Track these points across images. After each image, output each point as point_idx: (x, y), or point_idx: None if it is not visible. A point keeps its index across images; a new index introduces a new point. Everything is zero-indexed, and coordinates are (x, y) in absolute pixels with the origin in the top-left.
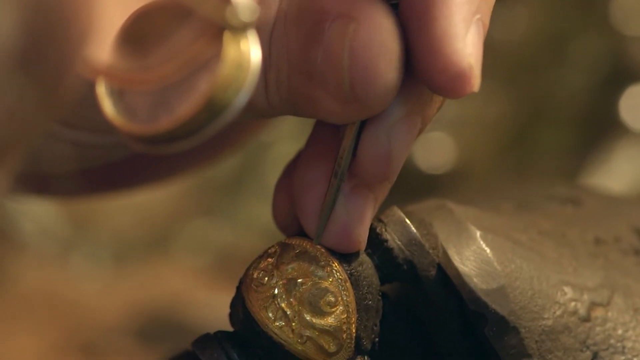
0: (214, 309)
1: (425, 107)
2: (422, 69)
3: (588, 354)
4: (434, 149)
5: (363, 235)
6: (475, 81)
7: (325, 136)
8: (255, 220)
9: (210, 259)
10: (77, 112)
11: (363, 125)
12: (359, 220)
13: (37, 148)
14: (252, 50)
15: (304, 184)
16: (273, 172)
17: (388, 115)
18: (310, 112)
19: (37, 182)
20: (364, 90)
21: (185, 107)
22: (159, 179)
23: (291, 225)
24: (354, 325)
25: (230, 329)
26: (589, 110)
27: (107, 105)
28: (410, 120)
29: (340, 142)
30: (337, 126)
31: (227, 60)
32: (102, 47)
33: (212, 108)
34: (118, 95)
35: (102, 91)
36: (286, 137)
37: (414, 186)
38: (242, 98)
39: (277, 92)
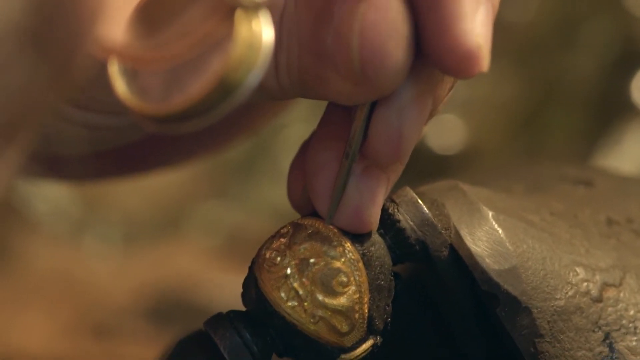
0: (225, 290)
1: (436, 87)
2: (431, 49)
3: (600, 334)
4: (445, 130)
5: (375, 216)
6: (484, 61)
7: (337, 117)
8: (267, 201)
9: (222, 240)
10: (88, 93)
11: (374, 106)
12: (370, 201)
13: (49, 130)
14: (264, 30)
15: (315, 165)
16: (285, 154)
17: (399, 96)
18: (321, 94)
19: (50, 164)
20: (373, 71)
21: (197, 87)
22: (170, 163)
23: (305, 204)
24: (366, 306)
25: (242, 309)
26: (600, 92)
27: (120, 85)
28: (421, 101)
29: (351, 124)
30: (348, 107)
31: (239, 40)
32: (115, 26)
33: (224, 88)
34: (130, 74)
35: (114, 71)
36: (298, 119)
37: (425, 167)
38: (254, 78)
39: (287, 73)
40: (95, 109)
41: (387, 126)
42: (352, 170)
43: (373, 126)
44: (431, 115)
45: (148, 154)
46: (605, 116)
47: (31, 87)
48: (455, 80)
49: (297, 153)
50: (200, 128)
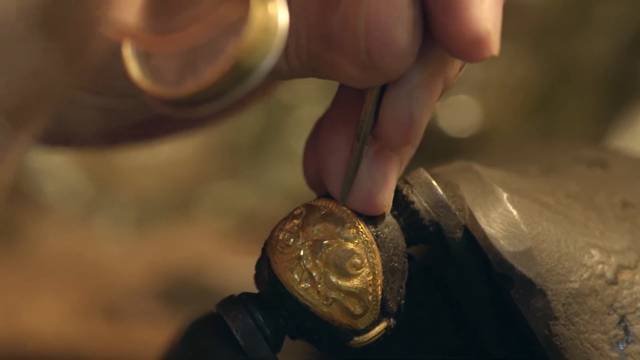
0: (237, 272)
1: (446, 68)
2: (439, 34)
3: (615, 317)
4: (459, 112)
5: (388, 199)
6: (494, 46)
7: (349, 98)
8: (278, 182)
9: (234, 221)
10: (101, 78)
11: (384, 89)
12: (383, 183)
13: (62, 112)
14: (279, 14)
15: (328, 147)
16: (296, 135)
17: (408, 79)
18: (331, 76)
19: (60, 136)
20: (380, 57)
21: (211, 70)
22: (177, 133)
23: (321, 185)
24: (379, 288)
25: (255, 291)
26: (615, 73)
27: (133, 68)
28: (431, 83)
29: (362, 106)
30: (359, 90)
31: (254, 24)
32: (129, 8)
33: (238, 72)
34: (144, 57)
35: (128, 54)
36: (309, 100)
37: (438, 150)
38: (268, 62)
39: (297, 56)
40: (109, 94)
41: (397, 109)
42: (364, 153)
43: (383, 109)
44: (442, 94)
45: (157, 128)
46: (619, 97)
47: (44, 70)
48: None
49: (310, 134)
50: (213, 112)
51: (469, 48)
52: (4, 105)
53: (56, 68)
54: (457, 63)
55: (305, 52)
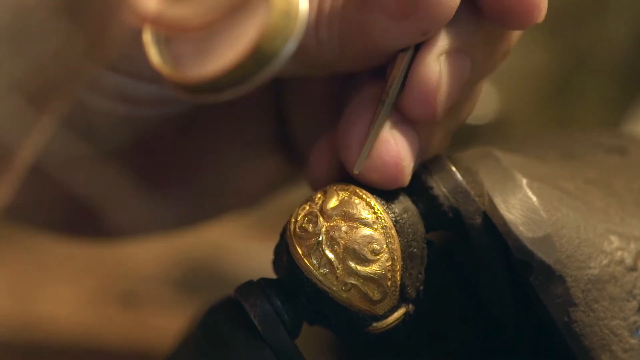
0: (253, 258)
1: (478, 51)
2: None
3: (635, 303)
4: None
5: (407, 168)
6: (543, 11)
7: (371, 83)
8: None
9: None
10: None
11: (414, 56)
12: (403, 149)
13: (88, 119)
14: None
15: (349, 122)
16: None
17: (441, 43)
18: (360, 44)
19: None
20: None
21: (232, 56)
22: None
23: (330, 177)
24: (398, 273)
25: (271, 277)
26: (632, 60)
27: (153, 54)
28: (462, 57)
29: (390, 73)
30: (381, 74)
31: (275, 9)
32: None
33: (259, 57)
34: (164, 43)
35: (148, 39)
36: None
37: (455, 137)
38: (289, 47)
39: (328, 25)
40: (130, 74)
41: (427, 71)
42: (385, 123)
43: (412, 72)
44: (472, 88)
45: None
46: (637, 84)
47: (65, 54)
48: (497, 54)
49: (321, 137)
50: (234, 98)
51: (521, 9)
52: (25, 89)
53: (77, 52)
54: (490, 47)
55: (339, 18)
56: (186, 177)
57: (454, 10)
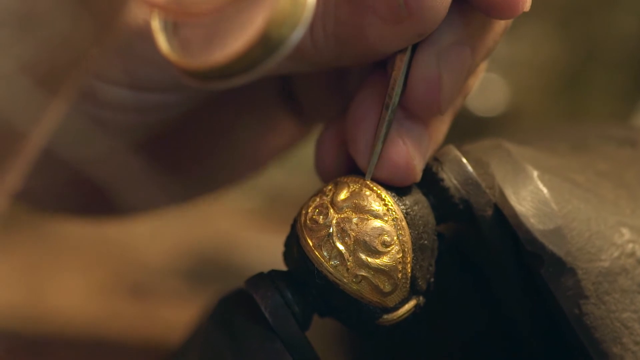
0: (262, 251)
1: (475, 39)
2: None
3: None
4: (486, 91)
5: (418, 167)
6: (527, 1)
7: (375, 75)
8: (304, 161)
9: (259, 199)
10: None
11: (412, 55)
12: (412, 148)
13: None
14: None
15: (356, 120)
16: None
17: (437, 39)
18: (357, 47)
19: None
20: (417, 2)
21: (240, 42)
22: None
23: (337, 170)
24: (409, 265)
25: (281, 269)
26: None
27: (162, 41)
28: (460, 48)
29: (390, 75)
30: (384, 63)
31: None
32: None
33: (267, 43)
34: (172, 30)
35: (156, 26)
36: None
37: (466, 129)
38: (297, 34)
39: (323, 27)
40: (143, 87)
41: (426, 70)
42: (392, 123)
43: (412, 72)
44: (474, 71)
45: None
46: None
47: (74, 38)
48: (495, 38)
49: (325, 125)
50: (241, 85)
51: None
52: (33, 72)
53: (85, 36)
54: (486, 32)
55: (333, 20)
56: (195, 146)
57: (446, 11)
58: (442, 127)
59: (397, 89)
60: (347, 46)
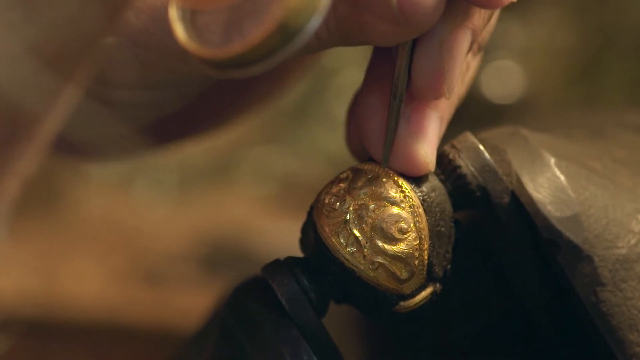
0: (277, 237)
1: (471, 19)
2: None
3: None
4: (502, 78)
5: (430, 156)
6: None
7: (382, 62)
8: (319, 147)
9: (274, 186)
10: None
11: (414, 45)
12: (423, 140)
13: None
14: None
15: (366, 110)
16: (337, 100)
17: (437, 31)
18: (361, 39)
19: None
20: (412, 8)
21: (257, 31)
22: (213, 126)
23: (364, 150)
24: (426, 252)
25: (297, 256)
26: None
27: (179, 30)
28: (459, 33)
29: (395, 65)
30: (390, 50)
31: None
32: None
33: (284, 32)
34: (190, 19)
35: (173, 15)
36: (350, 64)
37: (482, 116)
38: (314, 23)
39: (324, 25)
40: (136, 86)
41: (428, 60)
42: (401, 112)
43: (415, 62)
44: (475, 48)
45: (189, 122)
46: None
47: (82, 19)
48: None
49: (351, 103)
50: (259, 73)
51: None
52: (43, 53)
53: (93, 19)
54: (481, 13)
55: (333, 19)
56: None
57: (441, 11)
58: (449, 107)
59: (402, 79)
60: (350, 40)
